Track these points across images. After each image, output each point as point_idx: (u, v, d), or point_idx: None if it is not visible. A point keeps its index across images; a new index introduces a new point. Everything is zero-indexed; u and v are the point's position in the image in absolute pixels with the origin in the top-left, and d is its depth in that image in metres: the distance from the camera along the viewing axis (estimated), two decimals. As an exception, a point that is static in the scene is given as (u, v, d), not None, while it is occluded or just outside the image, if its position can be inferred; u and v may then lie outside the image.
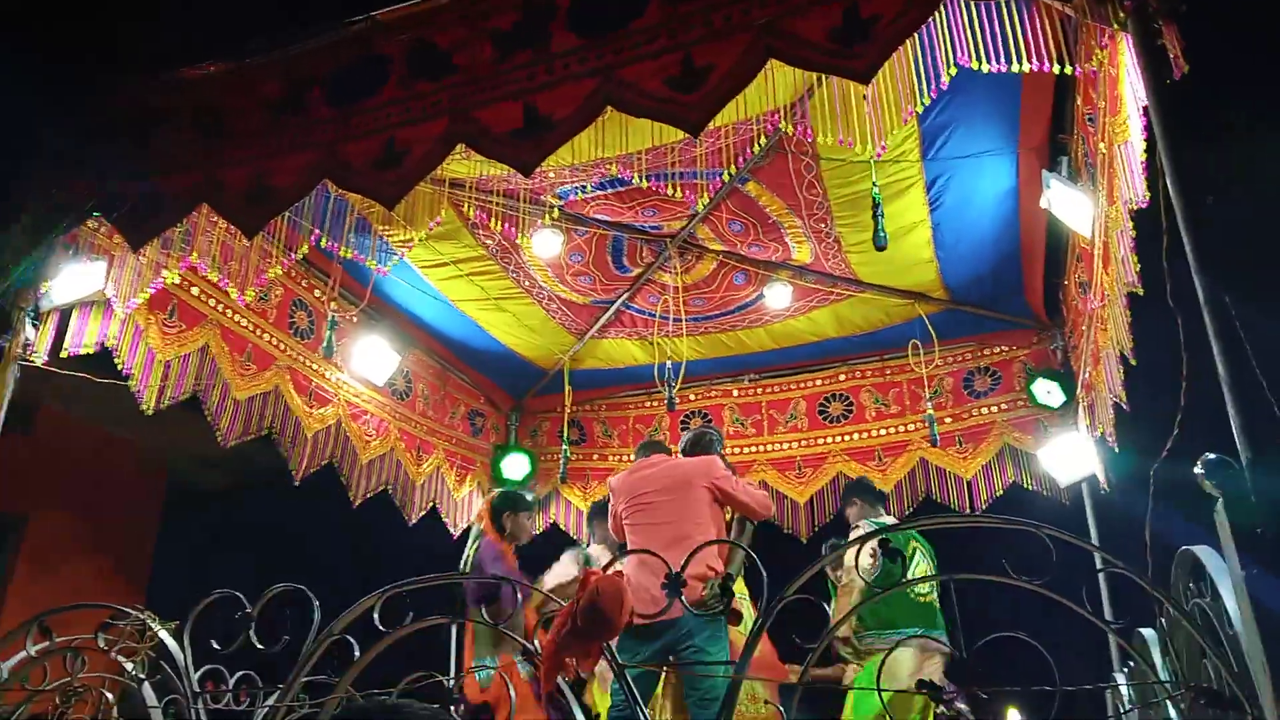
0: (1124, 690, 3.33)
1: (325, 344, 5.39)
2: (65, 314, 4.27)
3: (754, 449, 7.03)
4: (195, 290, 4.94)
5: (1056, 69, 3.00)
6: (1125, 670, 4.09)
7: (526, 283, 6.19)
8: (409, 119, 3.33)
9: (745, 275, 6.19)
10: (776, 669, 4.14)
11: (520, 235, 5.07)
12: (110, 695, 3.00)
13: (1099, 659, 4.87)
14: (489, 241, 5.72)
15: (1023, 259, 5.57)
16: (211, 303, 5.03)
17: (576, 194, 5.22)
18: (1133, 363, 3.92)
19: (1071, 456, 5.66)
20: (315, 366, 5.72)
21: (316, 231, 4.23)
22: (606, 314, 6.64)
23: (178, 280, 4.57)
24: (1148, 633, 2.93)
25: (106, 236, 4.27)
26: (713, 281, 6.28)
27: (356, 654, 2.60)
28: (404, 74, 3.42)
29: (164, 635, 2.94)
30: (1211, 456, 2.11)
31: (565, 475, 7.18)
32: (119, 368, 4.55)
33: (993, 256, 5.63)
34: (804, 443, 6.93)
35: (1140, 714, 3.12)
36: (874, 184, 4.33)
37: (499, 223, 4.89)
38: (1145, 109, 2.71)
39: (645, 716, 2.49)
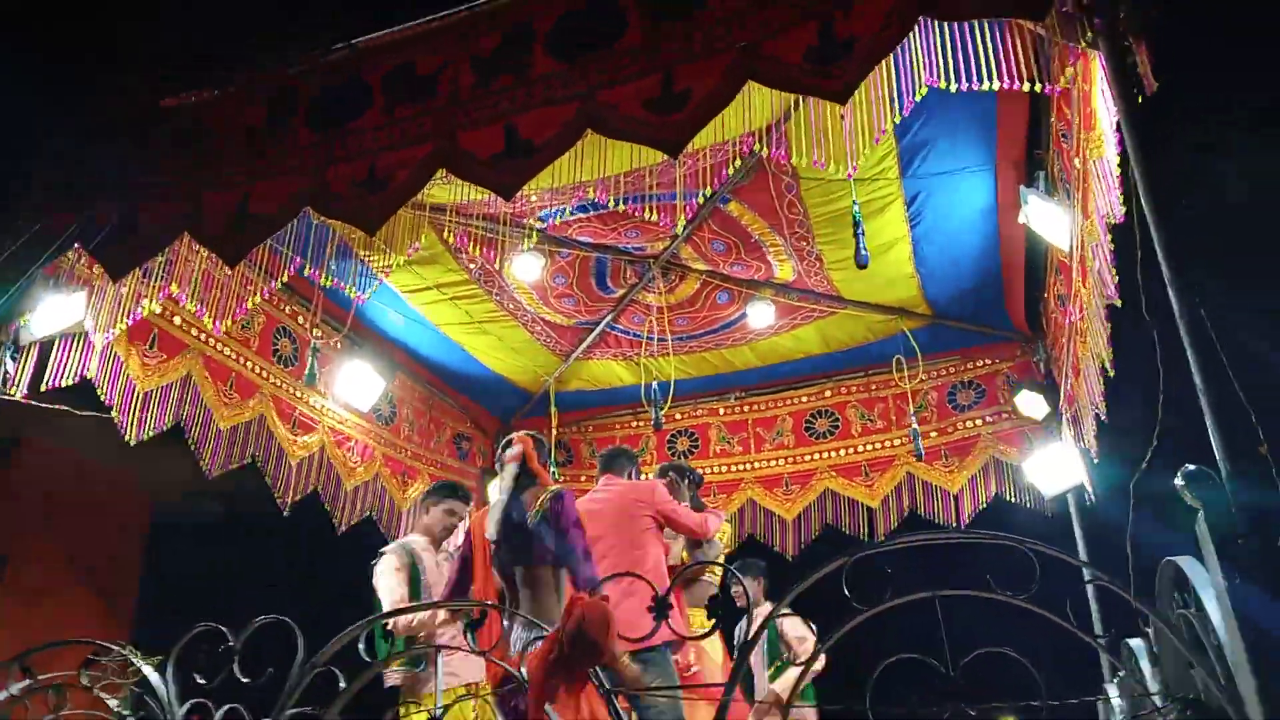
0: (1115, 701, 3.34)
1: (308, 371, 5.36)
2: (45, 346, 4.24)
3: (741, 467, 7.04)
4: (177, 320, 4.91)
5: (1028, 87, 3.04)
6: (1115, 681, 4.09)
7: (510, 305, 6.20)
8: (392, 144, 3.34)
9: (729, 294, 6.21)
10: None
11: (499, 261, 5.07)
12: (94, 732, 2.96)
13: (1090, 670, 4.87)
14: (471, 265, 5.72)
15: (1003, 273, 5.61)
16: (193, 332, 5.00)
17: (557, 217, 5.24)
18: (1111, 374, 3.96)
19: (1056, 468, 5.69)
20: (299, 394, 5.69)
21: (298, 259, 4.21)
22: (591, 335, 6.64)
23: (158, 310, 4.55)
24: (1135, 643, 2.94)
25: (86, 267, 4.25)
26: (697, 301, 6.30)
27: (341, 685, 2.58)
28: (386, 99, 3.43)
29: (147, 670, 2.90)
30: (1191, 468, 2.13)
31: (553, 497, 7.14)
32: (101, 399, 4.52)
33: (974, 271, 5.68)
34: (791, 460, 6.94)
35: (1131, 725, 3.12)
36: (854, 202, 4.36)
37: (479, 248, 4.89)
38: (1118, 125, 2.75)
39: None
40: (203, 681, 2.79)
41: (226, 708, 3.01)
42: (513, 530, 3.52)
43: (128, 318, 4.19)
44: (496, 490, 3.78)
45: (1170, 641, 2.43)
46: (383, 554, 4.46)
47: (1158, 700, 2.35)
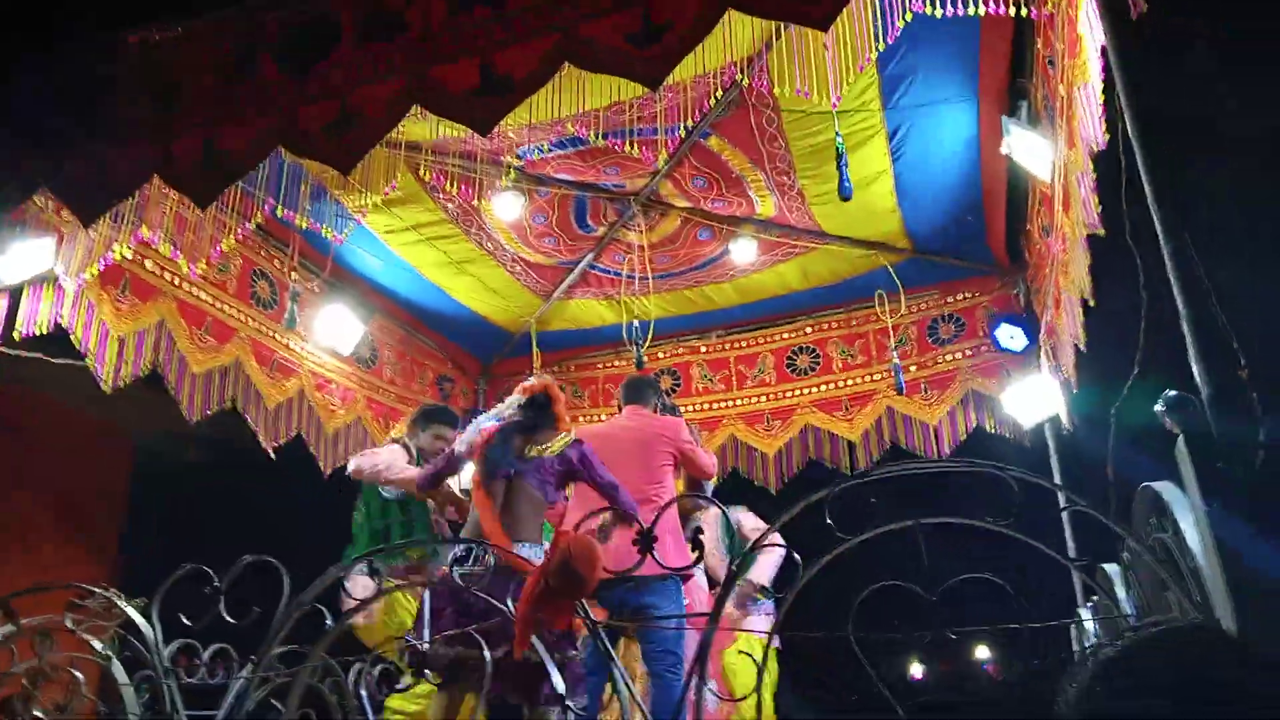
0: (1088, 625, 3.41)
1: (287, 315, 5.30)
2: (15, 294, 4.16)
3: (723, 404, 7.06)
4: (149, 264, 4.82)
5: (1014, 10, 2.99)
6: (1089, 605, 4.19)
7: (489, 245, 6.13)
8: (363, 81, 3.25)
9: (710, 231, 6.16)
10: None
11: (478, 198, 4.99)
12: (80, 675, 2.97)
13: (1066, 597, 4.98)
14: (449, 205, 5.64)
15: (985, 205, 5.59)
16: (166, 276, 4.92)
17: (535, 154, 5.15)
18: (1092, 304, 3.97)
19: (1034, 399, 5.74)
20: (278, 337, 5.64)
21: (271, 200, 4.13)
22: (572, 275, 6.59)
23: (130, 255, 4.47)
24: (1111, 568, 3.00)
25: (55, 213, 4.16)
26: (678, 238, 6.25)
27: (328, 623, 2.60)
28: (356, 35, 3.33)
29: (131, 613, 2.90)
30: (1172, 394, 2.15)
31: (537, 437, 7.16)
32: (75, 346, 4.46)
33: (955, 204, 5.65)
34: (772, 396, 6.97)
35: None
36: (837, 134, 4.30)
37: (456, 185, 4.82)
38: (1104, 49, 2.71)
39: (620, 666, 2.51)
40: (189, 623, 2.80)
41: (215, 648, 3.03)
42: (503, 455, 3.68)
43: (99, 263, 4.11)
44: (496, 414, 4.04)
45: (1145, 566, 2.47)
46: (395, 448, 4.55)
47: (1131, 621, 2.40)
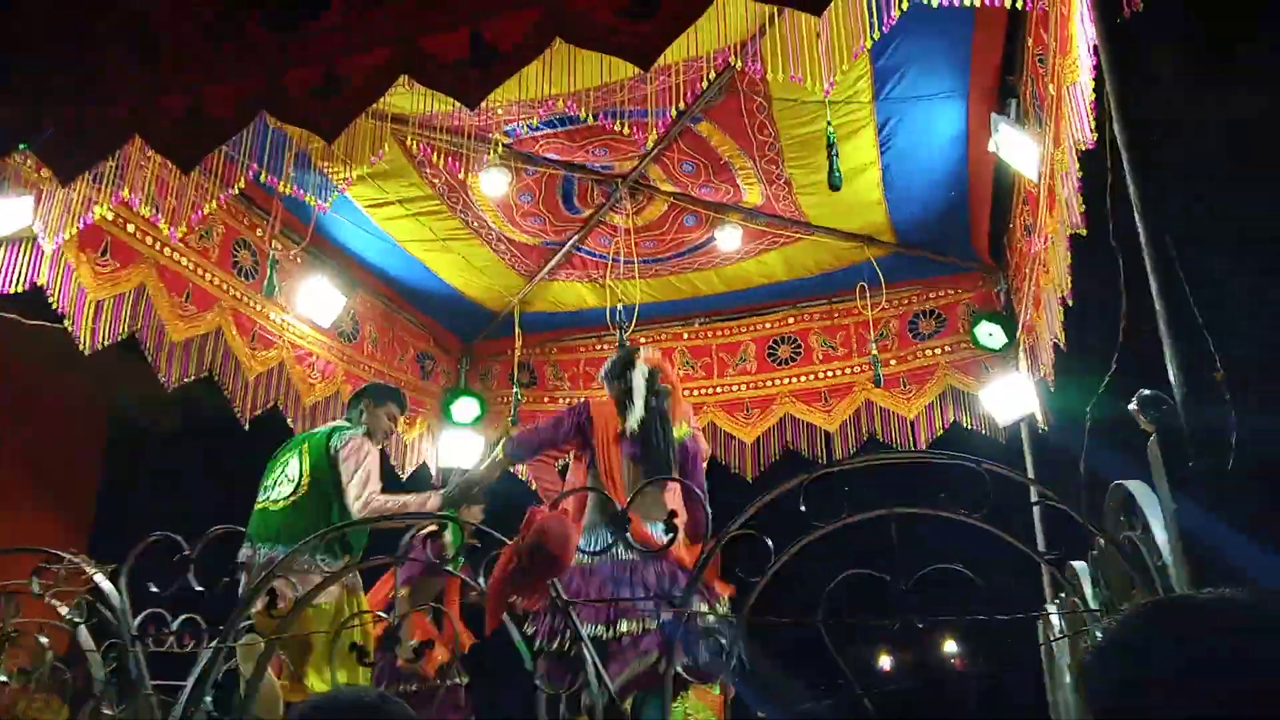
0: (1055, 620, 3.45)
1: (267, 283, 5.26)
2: (-8, 251, 4.11)
3: (704, 391, 7.07)
4: (130, 227, 4.76)
5: (1009, 3, 2.98)
6: (1057, 601, 4.23)
7: (475, 223, 6.09)
8: (350, 47, 3.20)
9: (696, 217, 6.15)
10: None
11: (465, 172, 4.94)
12: (46, 640, 2.95)
13: (1035, 593, 5.03)
14: (436, 180, 5.60)
15: (970, 203, 5.61)
16: (148, 241, 4.86)
17: (523, 130, 5.11)
18: (1070, 304, 3.99)
19: (1011, 397, 5.78)
20: (259, 307, 5.59)
21: (254, 166, 4.08)
22: (557, 256, 6.57)
23: (110, 216, 4.41)
24: (1079, 565, 3.02)
25: (34, 170, 4.10)
26: (664, 223, 6.24)
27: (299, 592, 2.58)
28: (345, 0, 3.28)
29: (99, 578, 2.88)
30: (1147, 392, 2.16)
31: (516, 418, 7.15)
32: (53, 307, 4.41)
33: (941, 200, 5.66)
34: (752, 385, 6.98)
35: (1071, 643, 3.24)
36: (828, 123, 4.31)
37: (443, 159, 4.78)
38: (1095, 48, 2.71)
39: (590, 649, 2.51)
40: (156, 590, 2.78)
41: (183, 617, 3.01)
42: (651, 433, 3.75)
43: (78, 222, 4.05)
44: (640, 389, 3.93)
45: (1113, 563, 2.50)
46: (349, 432, 4.33)
47: (1098, 615, 2.43)
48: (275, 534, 4.06)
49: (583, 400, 3.93)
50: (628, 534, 3.02)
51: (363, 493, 4.07)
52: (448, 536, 4.34)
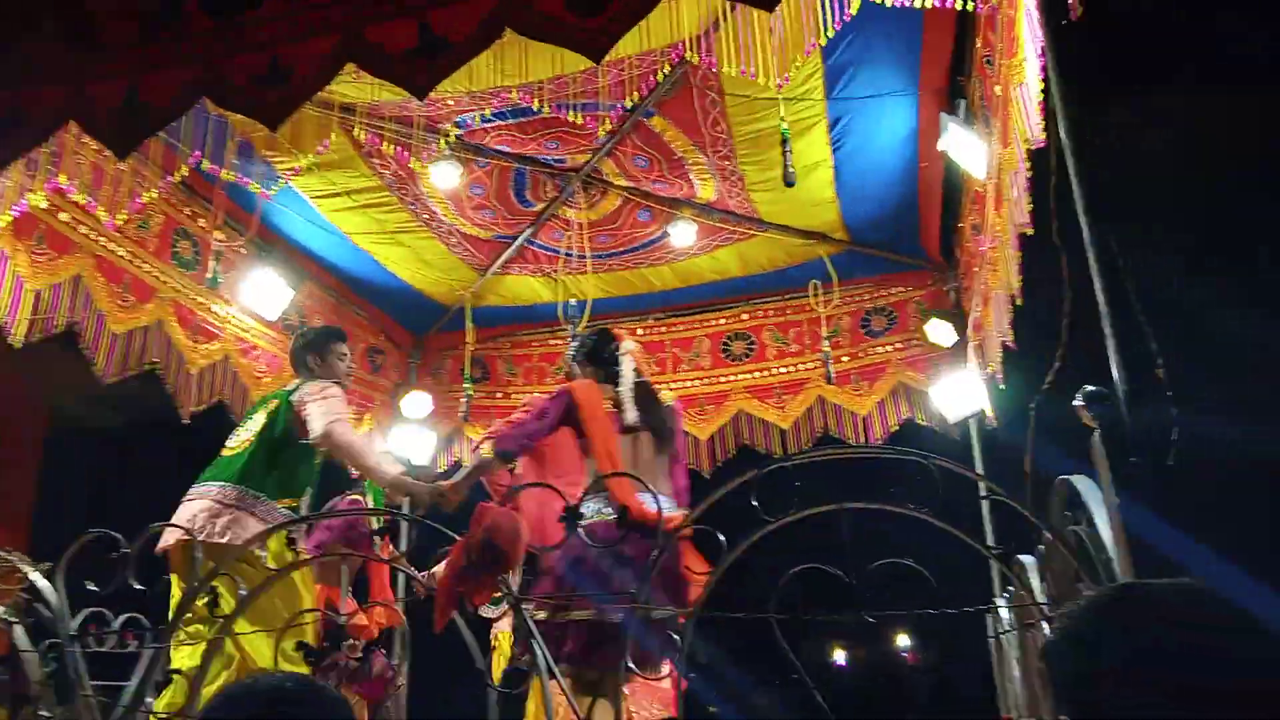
0: (1003, 613, 3.50)
1: (210, 274, 5.13)
2: (-81, 241, 3.96)
3: (657, 387, 7.05)
4: (64, 216, 4.61)
5: (959, 4, 3.01)
6: (1005, 595, 4.30)
7: (425, 215, 6.01)
8: (295, 34, 3.13)
9: (650, 213, 6.14)
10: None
11: (414, 161, 4.85)
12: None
13: (983, 588, 5.11)
14: (385, 171, 5.51)
15: (920, 202, 5.67)
16: (83, 230, 4.71)
17: (475, 122, 5.05)
18: (1019, 303, 4.05)
19: (961, 394, 5.86)
20: (201, 300, 5.46)
21: (196, 154, 3.98)
22: (510, 249, 6.51)
23: (45, 205, 4.27)
24: (1026, 559, 3.07)
25: (-37, 156, 3.95)
26: (618, 218, 6.22)
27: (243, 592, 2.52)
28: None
29: (35, 576, 2.79)
30: (1090, 388, 2.19)
31: (468, 414, 7.08)
32: (-17, 300, 4.26)
33: (892, 199, 5.72)
34: (706, 381, 6.99)
35: (1019, 635, 3.29)
36: (781, 119, 4.32)
37: (392, 149, 4.70)
38: (1042, 49, 2.75)
39: (542, 646, 2.49)
40: (95, 589, 2.70)
41: (125, 617, 2.93)
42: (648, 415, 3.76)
43: (11, 209, 3.92)
44: (630, 376, 3.92)
45: (1058, 557, 2.53)
46: (311, 382, 3.95)
47: (1044, 608, 2.46)
48: (217, 473, 3.81)
49: (562, 387, 3.82)
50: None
51: (328, 418, 3.73)
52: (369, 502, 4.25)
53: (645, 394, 3.81)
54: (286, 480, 3.87)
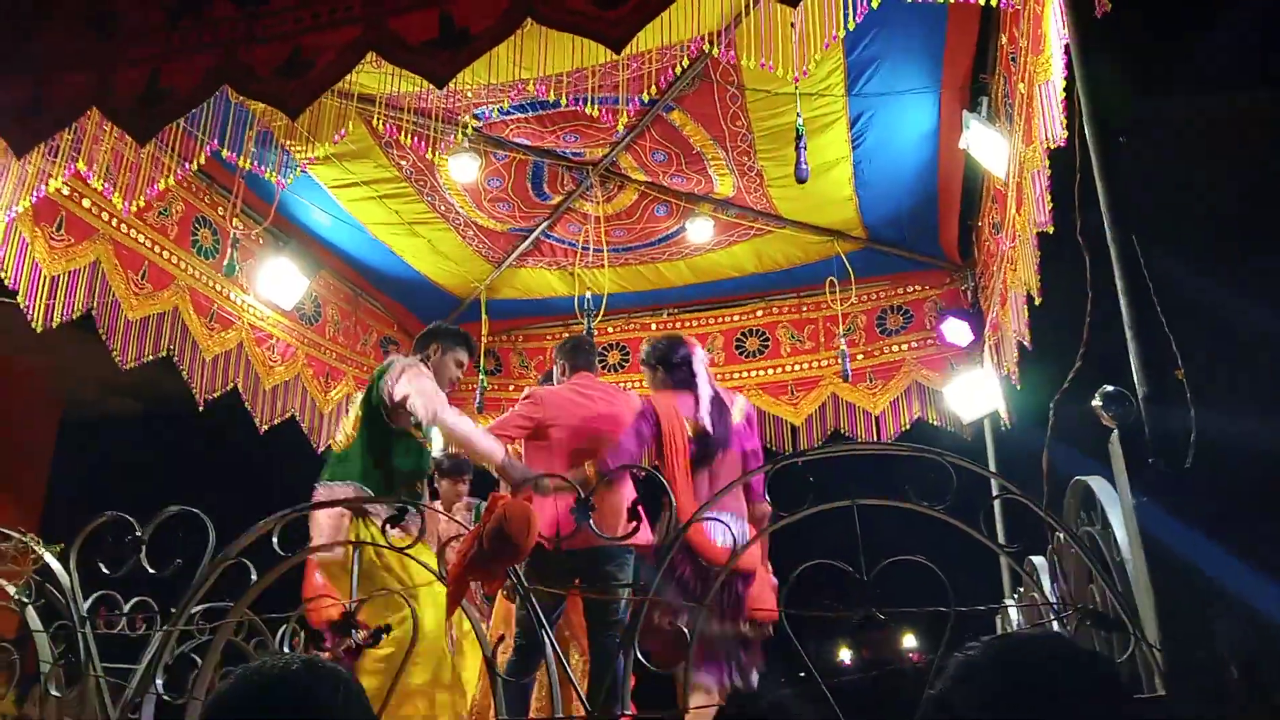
0: (1014, 613, 3.48)
1: (228, 262, 5.16)
2: (-59, 224, 3.99)
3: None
4: (85, 202, 4.65)
5: (983, 1, 2.98)
6: (1016, 595, 4.28)
7: (442, 208, 6.02)
8: (317, 24, 3.14)
9: (667, 207, 6.12)
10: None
11: (431, 152, 4.84)
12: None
13: (994, 586, 5.09)
14: (403, 162, 5.52)
15: (939, 200, 5.63)
16: (104, 216, 4.74)
17: (493, 114, 5.05)
18: (1038, 302, 4.02)
19: (976, 394, 5.83)
20: (218, 287, 5.49)
21: (214, 143, 3.98)
22: (525, 242, 6.51)
23: (65, 191, 4.30)
24: (1038, 560, 3.05)
25: (-13, 142, 3.98)
26: (634, 212, 6.21)
27: (254, 577, 2.53)
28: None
29: (48, 558, 2.81)
30: (1109, 389, 2.17)
31: (482, 405, 7.10)
32: (4, 282, 4.29)
33: (911, 197, 5.69)
34: (719, 377, 6.94)
35: (1029, 637, 3.26)
36: (798, 114, 4.29)
37: (409, 138, 4.70)
38: (1067, 47, 2.72)
39: (550, 635, 2.49)
40: (108, 571, 2.72)
41: (135, 600, 2.95)
42: (718, 423, 3.72)
43: (31, 195, 3.94)
44: (707, 390, 3.83)
45: (1071, 558, 2.52)
46: (399, 363, 3.76)
47: (1055, 608, 2.44)
48: (330, 474, 3.62)
49: (646, 405, 3.76)
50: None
51: (431, 404, 3.52)
52: None
53: (719, 407, 3.77)
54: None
